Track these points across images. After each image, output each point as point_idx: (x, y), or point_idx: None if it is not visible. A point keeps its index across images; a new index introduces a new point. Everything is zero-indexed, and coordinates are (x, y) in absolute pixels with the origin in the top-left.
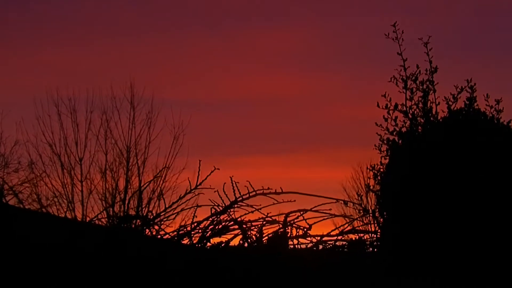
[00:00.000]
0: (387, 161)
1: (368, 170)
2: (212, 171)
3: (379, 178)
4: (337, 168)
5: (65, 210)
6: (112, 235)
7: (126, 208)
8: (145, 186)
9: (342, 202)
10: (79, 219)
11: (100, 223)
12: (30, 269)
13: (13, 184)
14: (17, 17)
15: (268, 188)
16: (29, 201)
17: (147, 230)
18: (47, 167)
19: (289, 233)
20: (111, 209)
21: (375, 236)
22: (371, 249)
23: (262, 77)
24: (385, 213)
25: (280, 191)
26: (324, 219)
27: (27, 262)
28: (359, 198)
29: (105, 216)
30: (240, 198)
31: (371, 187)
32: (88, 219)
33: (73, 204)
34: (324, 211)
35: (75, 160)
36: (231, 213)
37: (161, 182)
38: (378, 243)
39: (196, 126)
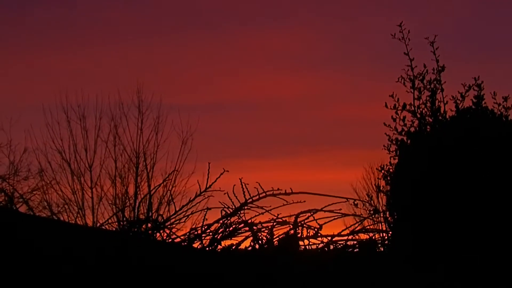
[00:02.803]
0: (396, 161)
1: (377, 170)
2: (221, 173)
3: (388, 178)
4: (347, 169)
5: (75, 216)
6: (122, 239)
7: (136, 213)
8: (154, 189)
9: (353, 202)
10: (90, 226)
11: (109, 228)
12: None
13: (23, 192)
14: (25, 24)
15: (278, 189)
16: (40, 209)
17: (158, 234)
18: (56, 174)
19: (300, 234)
20: (121, 215)
21: (386, 235)
22: (382, 248)
23: (271, 79)
24: (395, 213)
25: (290, 191)
26: (334, 219)
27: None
28: (370, 198)
29: (115, 220)
30: (250, 200)
31: (381, 188)
32: (98, 225)
33: (84, 210)
34: (334, 210)
35: (85, 167)
36: (241, 215)
37: (171, 186)
38: (389, 243)
39: (203, 130)
